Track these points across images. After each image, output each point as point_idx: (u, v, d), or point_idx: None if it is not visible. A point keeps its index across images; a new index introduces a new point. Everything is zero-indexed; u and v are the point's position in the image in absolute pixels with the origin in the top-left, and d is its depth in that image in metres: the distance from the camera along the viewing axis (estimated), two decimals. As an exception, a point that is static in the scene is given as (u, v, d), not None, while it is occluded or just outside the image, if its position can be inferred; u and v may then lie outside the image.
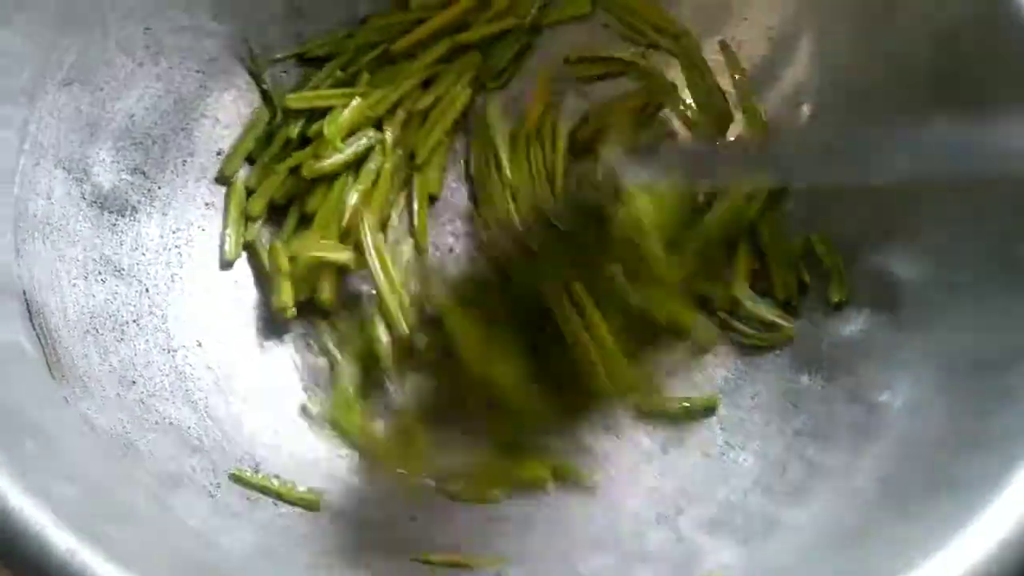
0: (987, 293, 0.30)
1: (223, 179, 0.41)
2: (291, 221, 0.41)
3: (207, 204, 0.40)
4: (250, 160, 0.42)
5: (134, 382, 0.33)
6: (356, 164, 0.42)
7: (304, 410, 0.36)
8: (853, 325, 0.36)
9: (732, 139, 0.43)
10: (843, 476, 0.30)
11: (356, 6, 0.44)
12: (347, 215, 0.40)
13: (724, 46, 0.44)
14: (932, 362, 0.31)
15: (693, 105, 0.44)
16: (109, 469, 0.27)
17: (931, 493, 0.26)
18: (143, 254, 0.37)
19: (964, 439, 0.26)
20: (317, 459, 0.35)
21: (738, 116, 0.43)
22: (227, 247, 0.40)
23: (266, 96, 0.43)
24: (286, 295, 0.38)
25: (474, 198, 0.43)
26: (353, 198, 0.41)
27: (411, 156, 0.43)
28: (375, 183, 0.42)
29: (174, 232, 0.39)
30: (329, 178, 0.41)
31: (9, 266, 0.30)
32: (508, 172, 0.42)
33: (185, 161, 0.40)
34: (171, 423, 0.32)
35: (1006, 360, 0.28)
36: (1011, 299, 0.29)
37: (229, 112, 0.42)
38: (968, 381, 0.29)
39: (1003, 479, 0.23)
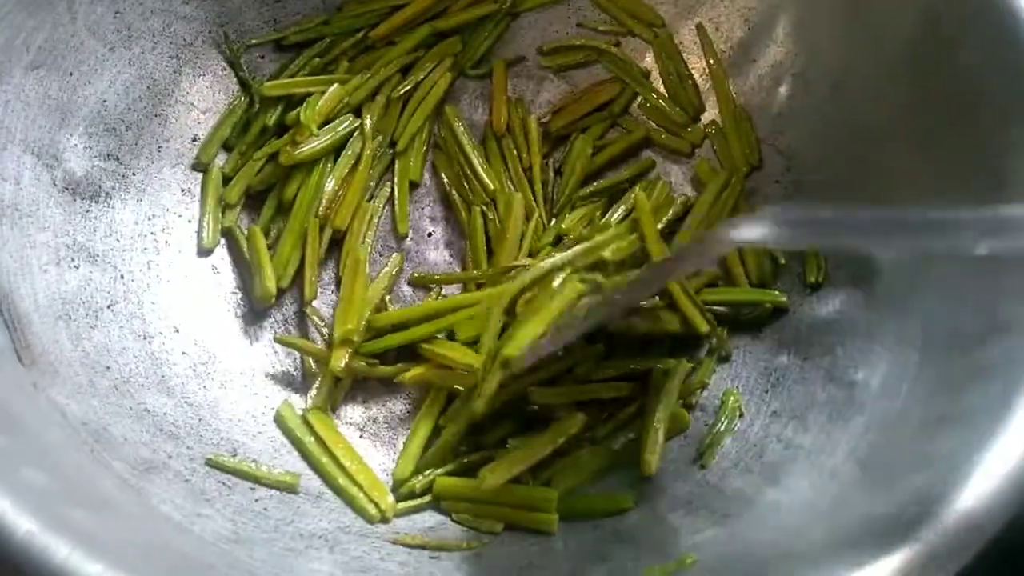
0: (962, 268, 0.30)
1: (200, 166, 0.41)
2: (269, 208, 0.41)
3: (183, 190, 0.40)
4: (227, 147, 0.42)
5: (108, 368, 0.32)
6: (335, 151, 0.42)
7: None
8: (830, 305, 0.36)
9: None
10: (820, 455, 0.30)
11: (333, -10, 0.44)
12: (324, 202, 0.40)
13: (701, 29, 0.44)
14: (907, 338, 0.31)
15: (664, 93, 0.44)
16: (80, 456, 0.27)
17: (905, 471, 0.26)
18: (118, 240, 0.37)
19: (939, 416, 0.26)
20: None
21: (711, 102, 0.44)
22: (205, 234, 0.39)
23: (243, 82, 0.42)
24: (269, 283, 0.38)
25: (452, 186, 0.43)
26: (331, 184, 0.41)
27: (391, 142, 0.43)
28: (354, 169, 0.41)
29: (150, 219, 0.38)
30: (307, 165, 0.41)
31: (-25, 252, 0.30)
32: (486, 179, 0.42)
33: (160, 147, 0.40)
34: (146, 409, 0.32)
35: (980, 335, 0.28)
36: (986, 273, 0.29)
37: (205, 98, 0.41)
38: (943, 357, 0.29)
39: (977, 455, 0.23)
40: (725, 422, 0.35)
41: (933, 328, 0.30)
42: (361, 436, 0.36)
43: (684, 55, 0.45)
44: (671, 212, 0.40)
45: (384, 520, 0.32)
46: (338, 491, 0.33)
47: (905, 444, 0.27)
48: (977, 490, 0.24)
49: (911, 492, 0.25)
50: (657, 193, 0.41)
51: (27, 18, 0.33)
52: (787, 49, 0.42)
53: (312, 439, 0.34)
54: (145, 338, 0.35)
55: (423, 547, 0.31)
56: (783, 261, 0.38)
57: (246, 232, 0.40)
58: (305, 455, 0.34)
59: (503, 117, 0.44)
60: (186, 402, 0.34)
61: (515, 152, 0.43)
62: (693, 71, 0.44)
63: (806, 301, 0.37)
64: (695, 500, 0.32)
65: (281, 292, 0.39)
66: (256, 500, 0.31)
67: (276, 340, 0.37)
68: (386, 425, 0.37)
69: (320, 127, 0.41)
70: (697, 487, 0.32)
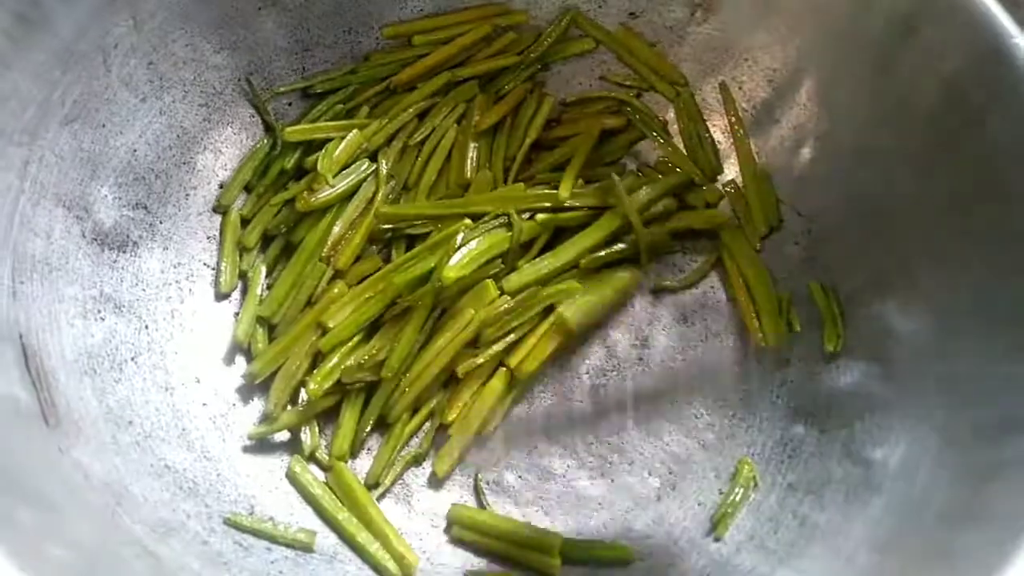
0: (988, 356, 0.30)
1: (220, 208, 0.41)
2: (275, 248, 0.41)
3: (209, 237, 0.41)
4: (248, 189, 0.42)
5: (131, 423, 0.33)
6: (351, 196, 0.42)
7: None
8: (849, 376, 0.36)
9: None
10: (836, 538, 0.30)
11: (360, 42, 0.45)
12: (329, 243, 0.40)
13: (724, 88, 0.44)
14: (928, 422, 0.31)
15: (683, 151, 0.44)
16: (102, 525, 0.27)
17: (923, 567, 0.25)
18: (143, 290, 0.37)
19: (960, 510, 0.26)
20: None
21: (732, 160, 0.44)
22: (222, 278, 0.40)
23: (268, 125, 0.43)
24: (240, 330, 0.38)
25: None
26: (339, 227, 0.41)
27: (404, 187, 0.43)
28: (364, 212, 0.42)
29: (175, 267, 0.39)
30: (321, 209, 0.41)
31: (5, 311, 0.30)
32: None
33: (188, 195, 0.40)
34: (167, 465, 0.32)
35: (1003, 427, 0.28)
36: (1012, 365, 0.29)
37: (232, 145, 0.42)
38: (965, 447, 0.29)
39: (1000, 560, 0.23)
40: (740, 491, 0.35)
41: (951, 412, 0.30)
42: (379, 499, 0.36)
43: (706, 112, 0.45)
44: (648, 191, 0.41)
45: None
46: (357, 548, 0.33)
47: (924, 536, 0.27)
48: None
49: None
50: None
51: (64, 73, 0.34)
52: (811, 112, 0.42)
53: (326, 495, 0.35)
54: (167, 390, 0.35)
55: None
56: (799, 328, 0.38)
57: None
58: (321, 512, 0.34)
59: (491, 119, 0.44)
60: (205, 456, 0.34)
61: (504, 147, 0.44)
62: (715, 128, 0.45)
63: (824, 370, 0.37)
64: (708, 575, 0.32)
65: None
66: (272, 563, 0.31)
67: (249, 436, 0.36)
68: (401, 481, 0.37)
69: (337, 173, 0.42)
70: (711, 560, 0.32)
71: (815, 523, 0.31)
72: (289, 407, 0.37)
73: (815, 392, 0.37)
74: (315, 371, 0.36)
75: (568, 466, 0.38)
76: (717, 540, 0.33)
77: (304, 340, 0.38)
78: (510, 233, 0.39)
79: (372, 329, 0.38)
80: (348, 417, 0.37)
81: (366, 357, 0.37)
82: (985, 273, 0.33)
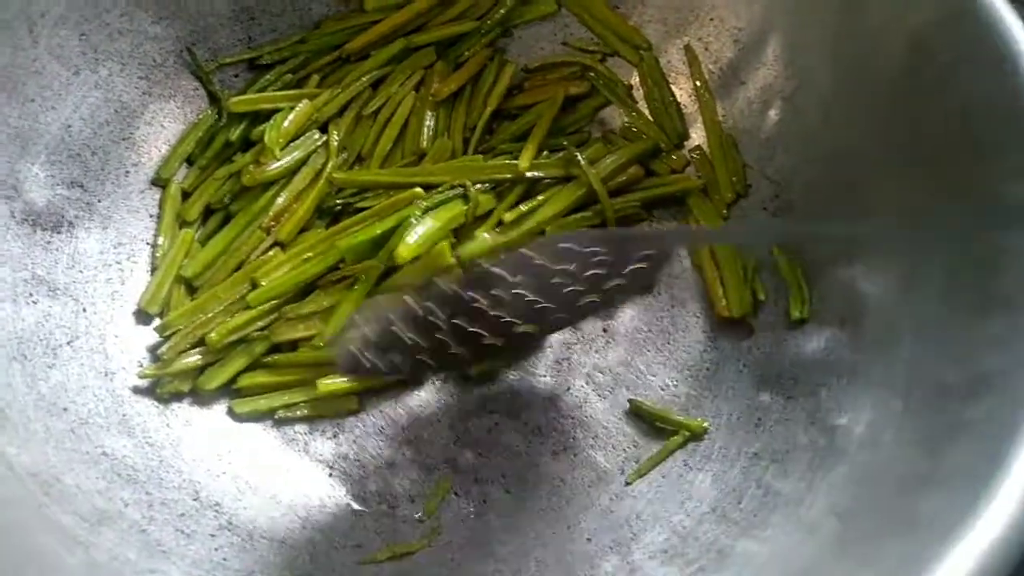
0: (953, 316, 0.29)
1: (159, 181, 0.39)
2: (213, 222, 0.39)
3: (151, 216, 0.39)
4: (190, 161, 0.40)
5: (65, 409, 0.31)
6: (297, 168, 0.40)
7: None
8: (815, 342, 0.35)
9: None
10: (798, 506, 0.29)
11: (309, 9, 0.43)
12: (271, 214, 0.38)
13: (689, 51, 0.43)
14: (894, 386, 0.30)
15: (648, 116, 0.43)
16: (27, 517, 0.26)
17: (886, 533, 0.24)
18: (80, 271, 0.36)
19: (923, 475, 0.25)
20: (262, 482, 0.34)
21: (698, 124, 0.42)
22: (159, 252, 0.38)
23: (212, 96, 0.41)
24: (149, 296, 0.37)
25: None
26: (282, 198, 0.39)
27: (358, 158, 0.42)
28: (312, 184, 0.40)
29: (115, 247, 0.37)
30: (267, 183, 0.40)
31: (-77, 294, 0.29)
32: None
33: (128, 172, 0.39)
34: (104, 452, 0.31)
35: (968, 389, 0.27)
36: (977, 323, 0.28)
37: (175, 119, 0.40)
38: (928, 410, 0.28)
39: (959, 525, 0.22)
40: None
41: (917, 376, 0.29)
42: (331, 475, 0.35)
43: (672, 75, 0.43)
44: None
45: None
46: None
47: (887, 502, 0.26)
48: (958, 562, 0.23)
49: (892, 558, 0.24)
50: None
51: (-17, 45, 0.32)
52: (777, 72, 0.40)
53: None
54: (107, 375, 0.34)
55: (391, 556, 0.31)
56: (763, 296, 0.37)
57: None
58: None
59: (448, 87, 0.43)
60: (147, 442, 0.33)
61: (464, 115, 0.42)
62: (681, 92, 0.43)
63: (791, 337, 0.36)
64: (670, 549, 0.31)
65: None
66: (216, 549, 0.30)
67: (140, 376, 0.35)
68: (356, 462, 0.36)
69: (285, 146, 0.40)
70: (673, 533, 0.31)
71: (778, 491, 0.30)
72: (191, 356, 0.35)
73: (782, 360, 0.36)
74: (223, 323, 0.35)
75: (530, 442, 0.36)
76: (681, 512, 0.32)
77: (227, 296, 0.36)
78: (466, 207, 0.38)
79: (304, 293, 0.36)
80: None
81: (293, 315, 0.35)
82: (955, 232, 0.31)
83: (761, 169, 0.41)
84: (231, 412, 0.35)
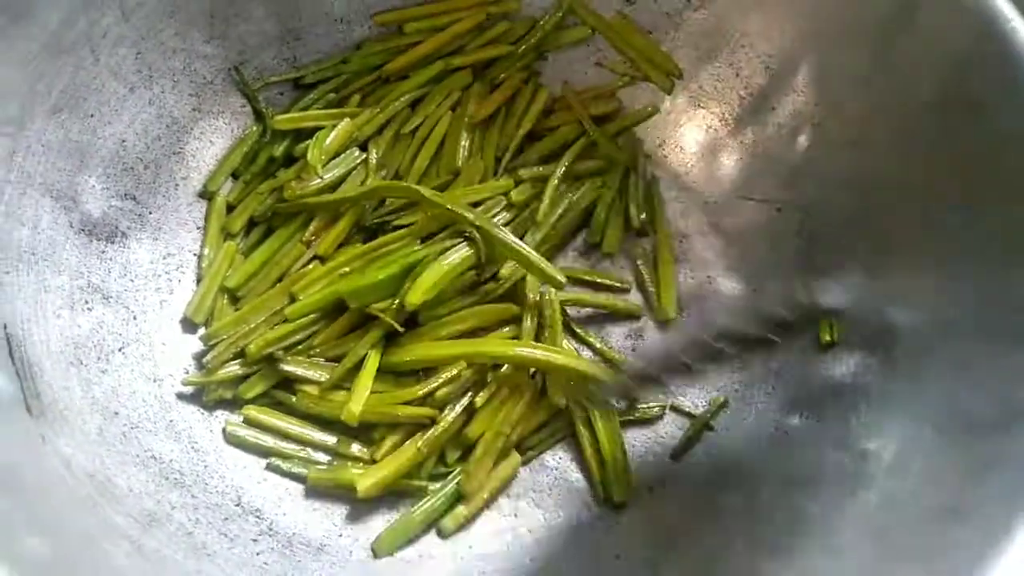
0: (987, 347, 0.29)
1: (206, 194, 0.41)
2: (255, 235, 0.40)
3: (199, 228, 0.40)
4: (236, 176, 0.42)
5: (117, 413, 0.33)
6: (337, 184, 0.41)
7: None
8: (844, 367, 0.36)
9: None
10: (827, 530, 0.29)
11: (352, 31, 0.44)
12: (312, 227, 0.40)
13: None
14: (924, 413, 0.30)
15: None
16: (83, 515, 0.27)
17: (912, 560, 0.25)
18: (132, 280, 0.37)
19: (951, 506, 0.26)
20: (300, 489, 0.35)
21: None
22: (204, 263, 0.39)
23: (258, 113, 0.42)
24: (196, 305, 0.38)
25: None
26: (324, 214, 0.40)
27: (396, 175, 0.43)
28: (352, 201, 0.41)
29: (165, 257, 0.39)
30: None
31: (-10, 300, 0.30)
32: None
33: (178, 185, 0.40)
34: (153, 456, 0.32)
35: (1000, 420, 0.27)
36: (1011, 355, 0.28)
37: (223, 135, 0.42)
38: (959, 439, 0.28)
39: (985, 557, 0.23)
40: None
41: (948, 405, 0.29)
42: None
43: (703, 100, 0.44)
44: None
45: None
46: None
47: (914, 531, 0.26)
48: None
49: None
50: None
51: (51, 62, 0.34)
52: (807, 99, 0.41)
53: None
54: (155, 380, 0.35)
55: None
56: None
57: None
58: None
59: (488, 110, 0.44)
60: (193, 447, 0.34)
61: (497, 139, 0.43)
62: (713, 115, 0.44)
63: (821, 361, 0.37)
64: (700, 572, 0.31)
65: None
66: (257, 554, 0.31)
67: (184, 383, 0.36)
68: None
69: (327, 163, 0.41)
70: (704, 555, 0.32)
71: (807, 515, 0.31)
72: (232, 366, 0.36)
73: (811, 383, 0.36)
74: (261, 335, 0.36)
75: (560, 458, 0.37)
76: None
77: (268, 308, 0.37)
78: (473, 251, 0.38)
79: (341, 309, 0.37)
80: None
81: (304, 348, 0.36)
82: (985, 263, 0.32)
83: (790, 199, 0.41)
84: (223, 431, 0.35)
